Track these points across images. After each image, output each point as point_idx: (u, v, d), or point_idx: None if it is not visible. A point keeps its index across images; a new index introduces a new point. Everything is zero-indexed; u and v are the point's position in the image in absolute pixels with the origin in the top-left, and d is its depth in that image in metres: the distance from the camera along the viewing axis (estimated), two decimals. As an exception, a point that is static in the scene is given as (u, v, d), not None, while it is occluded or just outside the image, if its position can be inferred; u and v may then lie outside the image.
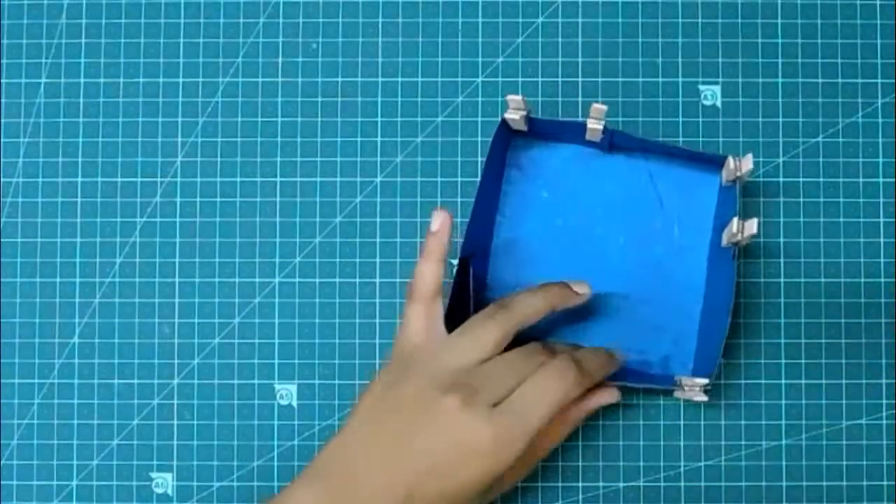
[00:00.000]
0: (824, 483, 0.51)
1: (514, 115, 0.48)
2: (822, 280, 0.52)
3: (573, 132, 0.50)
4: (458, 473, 0.42)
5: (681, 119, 0.53)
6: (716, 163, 0.50)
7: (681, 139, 0.52)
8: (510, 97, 0.47)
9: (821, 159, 0.52)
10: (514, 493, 0.52)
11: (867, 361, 0.52)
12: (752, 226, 0.46)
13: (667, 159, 0.51)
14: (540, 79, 0.53)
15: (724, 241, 0.48)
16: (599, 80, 0.53)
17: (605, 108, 0.47)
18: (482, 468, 0.42)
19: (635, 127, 0.53)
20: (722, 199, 0.50)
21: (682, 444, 0.52)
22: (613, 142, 0.50)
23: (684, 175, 0.51)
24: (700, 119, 0.53)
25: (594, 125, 0.48)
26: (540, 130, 0.50)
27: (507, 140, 0.51)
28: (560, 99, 0.53)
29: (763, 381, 0.52)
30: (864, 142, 0.53)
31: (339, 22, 0.54)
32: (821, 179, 0.52)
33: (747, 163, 0.47)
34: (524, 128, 0.50)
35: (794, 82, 0.53)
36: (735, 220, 0.46)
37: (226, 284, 0.52)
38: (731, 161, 0.48)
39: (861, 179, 0.52)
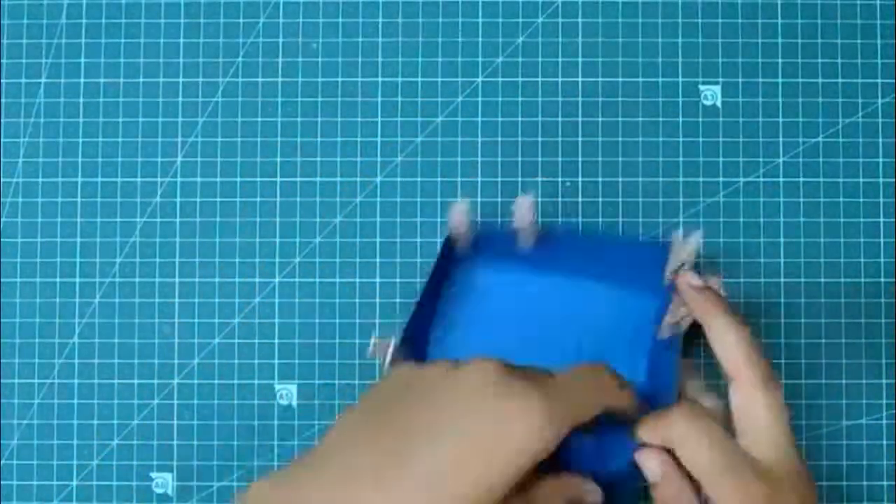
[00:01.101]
0: (824, 483, 0.51)
1: (458, 224, 0.47)
2: (822, 280, 0.52)
3: (514, 243, 0.49)
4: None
5: (681, 119, 0.53)
6: (658, 254, 0.48)
7: (681, 139, 0.52)
8: (456, 207, 0.46)
9: (821, 159, 0.53)
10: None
11: (867, 361, 0.52)
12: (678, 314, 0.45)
13: (607, 270, 0.49)
14: (540, 79, 0.53)
15: (663, 333, 0.48)
16: (599, 80, 0.53)
17: (530, 202, 0.46)
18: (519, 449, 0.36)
19: (635, 127, 0.53)
20: (663, 294, 0.49)
21: (682, 444, 0.52)
22: (556, 255, 0.49)
23: (621, 294, 0.50)
24: (700, 119, 0.53)
25: (522, 218, 0.47)
26: (485, 246, 0.50)
27: (449, 259, 0.50)
28: (560, 99, 0.53)
29: (763, 381, 0.52)
30: (864, 142, 0.53)
31: (339, 22, 0.54)
32: (821, 179, 0.52)
33: (692, 242, 0.46)
34: (467, 243, 0.49)
35: (794, 82, 0.53)
36: (669, 314, 0.46)
37: (226, 284, 0.52)
38: (676, 238, 0.47)
39: (861, 179, 0.52)
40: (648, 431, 0.43)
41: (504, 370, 0.38)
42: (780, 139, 0.53)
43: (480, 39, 0.53)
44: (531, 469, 0.37)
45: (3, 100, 0.53)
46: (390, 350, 0.46)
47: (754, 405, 0.42)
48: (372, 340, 0.47)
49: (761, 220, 0.52)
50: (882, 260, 0.52)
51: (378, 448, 0.36)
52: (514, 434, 0.36)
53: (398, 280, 0.52)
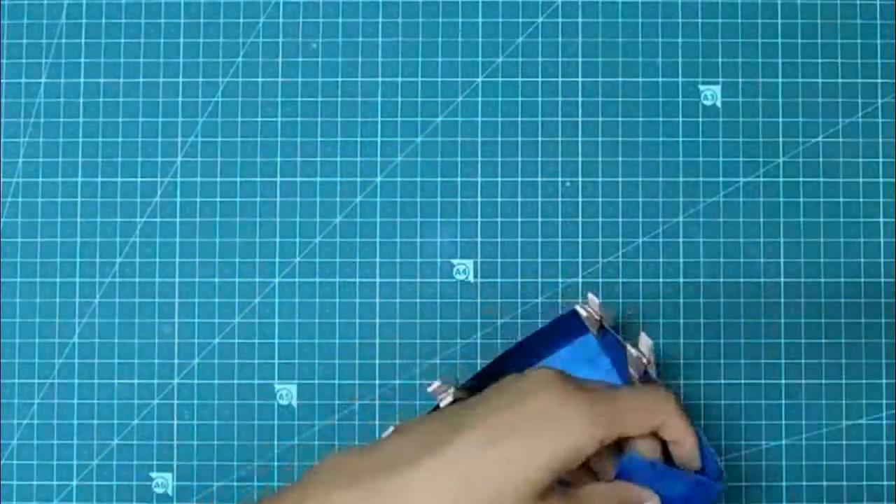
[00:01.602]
0: (824, 483, 0.51)
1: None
2: (822, 280, 0.52)
3: None
4: None
5: (681, 119, 0.53)
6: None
7: (681, 139, 0.52)
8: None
9: (821, 159, 0.52)
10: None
11: (867, 361, 0.52)
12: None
13: None
14: (540, 79, 0.53)
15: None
16: (599, 80, 0.53)
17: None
18: None
19: (635, 127, 0.53)
20: None
21: (682, 444, 0.52)
22: None
23: None
24: (700, 119, 0.53)
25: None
26: None
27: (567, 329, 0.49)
28: (560, 99, 0.53)
29: (763, 381, 0.52)
30: (864, 142, 0.53)
31: (339, 22, 0.54)
32: (821, 179, 0.52)
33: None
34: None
35: (794, 82, 0.53)
36: None
37: (226, 284, 0.52)
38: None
39: (861, 179, 0.52)
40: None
41: (561, 375, 0.40)
42: (780, 139, 0.53)
43: (480, 39, 0.53)
44: (582, 470, 0.42)
45: (3, 100, 0.53)
46: (450, 392, 0.47)
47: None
48: (436, 383, 0.47)
49: (761, 220, 0.52)
50: (882, 260, 0.52)
51: (430, 434, 0.39)
52: (552, 429, 0.38)
53: (398, 280, 0.52)
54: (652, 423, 0.42)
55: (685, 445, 0.43)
